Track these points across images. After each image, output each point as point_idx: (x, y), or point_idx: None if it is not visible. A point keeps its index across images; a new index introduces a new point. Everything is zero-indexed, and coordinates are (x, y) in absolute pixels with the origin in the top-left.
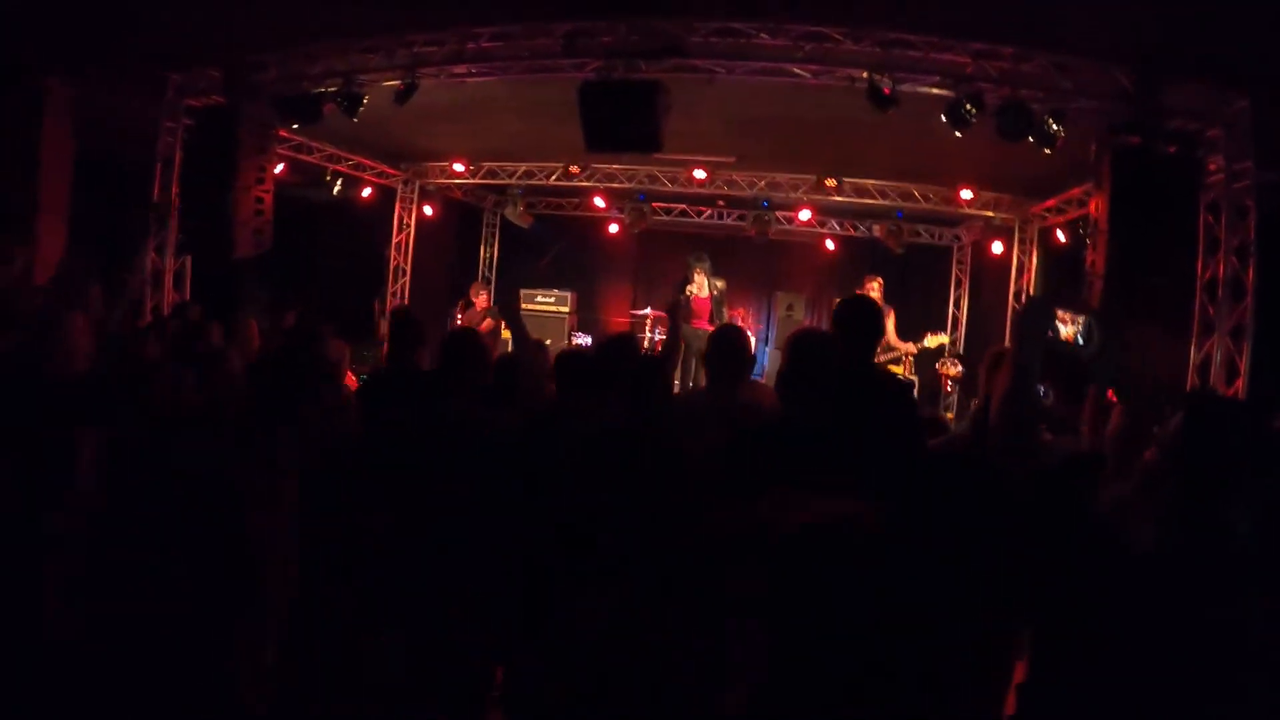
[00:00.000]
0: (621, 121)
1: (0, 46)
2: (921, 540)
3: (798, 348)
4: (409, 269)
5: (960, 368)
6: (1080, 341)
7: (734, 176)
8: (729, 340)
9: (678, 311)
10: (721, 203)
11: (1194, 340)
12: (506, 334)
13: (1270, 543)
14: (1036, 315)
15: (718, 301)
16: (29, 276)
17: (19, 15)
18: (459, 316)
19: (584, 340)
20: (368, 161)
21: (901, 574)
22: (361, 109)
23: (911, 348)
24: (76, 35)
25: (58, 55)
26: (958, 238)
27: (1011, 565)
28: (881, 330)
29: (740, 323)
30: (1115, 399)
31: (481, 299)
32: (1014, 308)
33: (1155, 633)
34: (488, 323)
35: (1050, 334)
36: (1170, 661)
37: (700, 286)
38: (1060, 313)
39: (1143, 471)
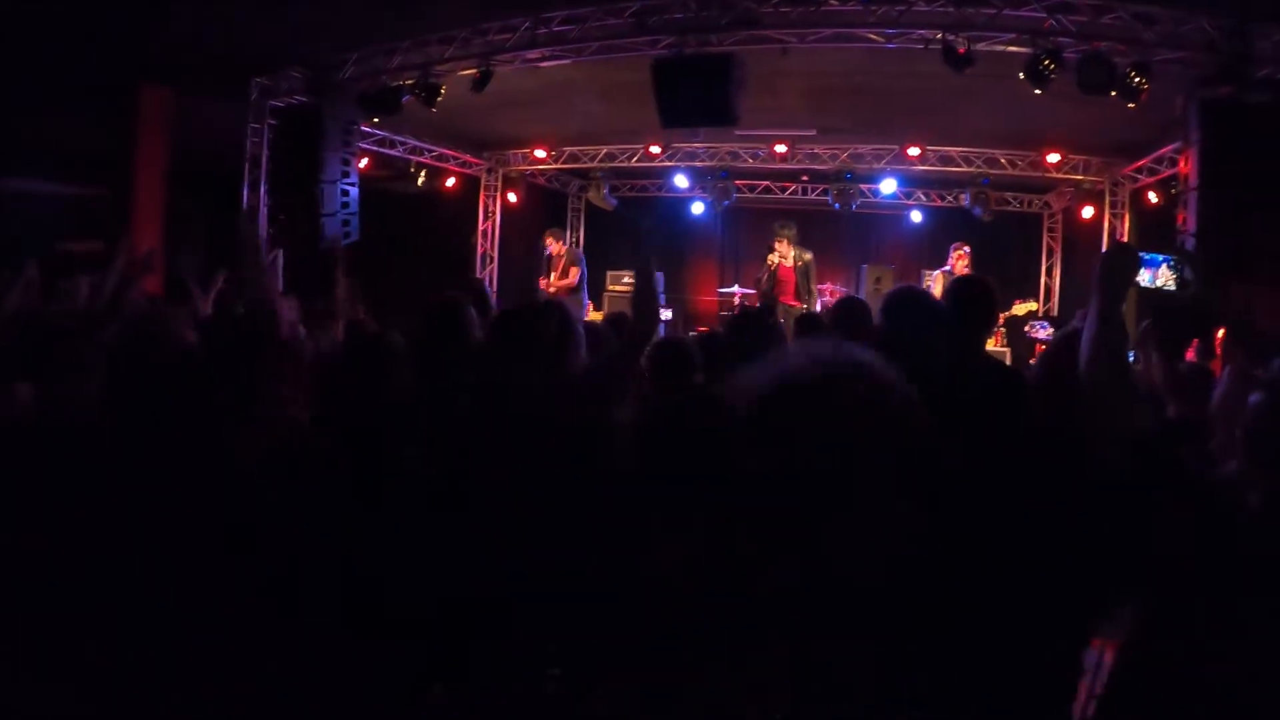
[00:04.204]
0: (696, 96)
1: (96, 57)
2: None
3: (903, 309)
4: (496, 255)
5: (1050, 330)
6: (1176, 286)
7: (816, 149)
8: (852, 310)
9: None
10: (805, 177)
11: None
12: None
13: None
14: (1119, 260)
15: (803, 273)
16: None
17: (113, 27)
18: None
19: None
20: (450, 152)
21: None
22: (440, 99)
23: (999, 316)
24: (166, 44)
25: (150, 64)
26: (1048, 205)
27: (1111, 534)
28: (996, 318)
29: (829, 296)
30: (1222, 348)
31: (556, 246)
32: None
33: (1268, 603)
34: (574, 270)
35: (1140, 283)
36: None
37: (785, 256)
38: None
39: (1247, 420)
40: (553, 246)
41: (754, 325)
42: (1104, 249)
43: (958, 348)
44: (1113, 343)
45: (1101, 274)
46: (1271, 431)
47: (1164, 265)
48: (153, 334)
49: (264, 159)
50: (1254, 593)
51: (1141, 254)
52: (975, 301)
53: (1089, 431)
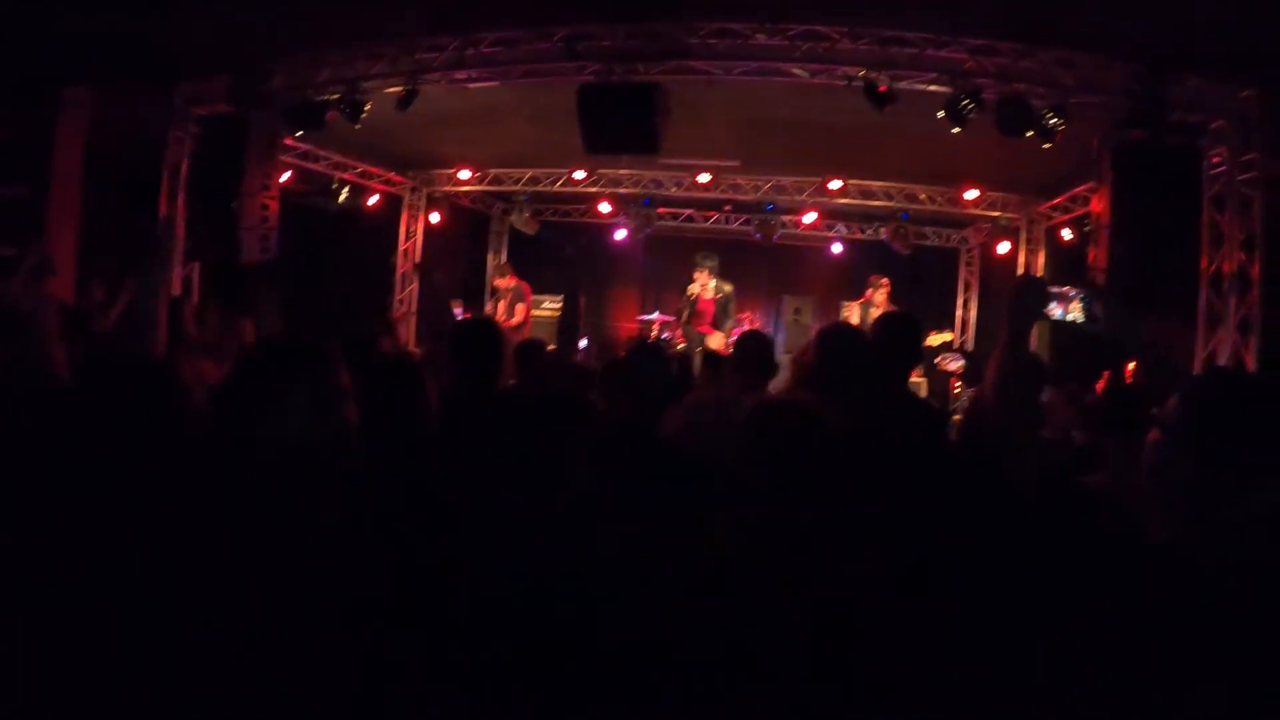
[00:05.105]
0: (620, 123)
1: (19, 56)
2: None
3: (834, 343)
4: (416, 276)
5: (961, 362)
6: (1086, 319)
7: (739, 180)
8: (758, 344)
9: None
10: (728, 207)
11: (1200, 335)
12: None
13: None
14: (1028, 293)
15: (722, 305)
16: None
17: (37, 25)
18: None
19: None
20: (374, 169)
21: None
22: (365, 116)
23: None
24: (92, 45)
25: (74, 65)
26: (965, 240)
27: (1022, 567)
28: (920, 353)
29: (748, 326)
30: (1133, 375)
31: (504, 281)
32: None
33: (1173, 627)
34: (520, 308)
35: (1051, 316)
36: (1192, 657)
37: (705, 287)
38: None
39: (1148, 455)
40: (500, 282)
41: (648, 355)
42: (1015, 282)
43: (882, 382)
44: (1019, 370)
45: (1010, 305)
46: (1167, 467)
47: (1075, 299)
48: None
49: (184, 168)
50: (1156, 624)
51: (1052, 288)
52: (899, 336)
53: (996, 457)
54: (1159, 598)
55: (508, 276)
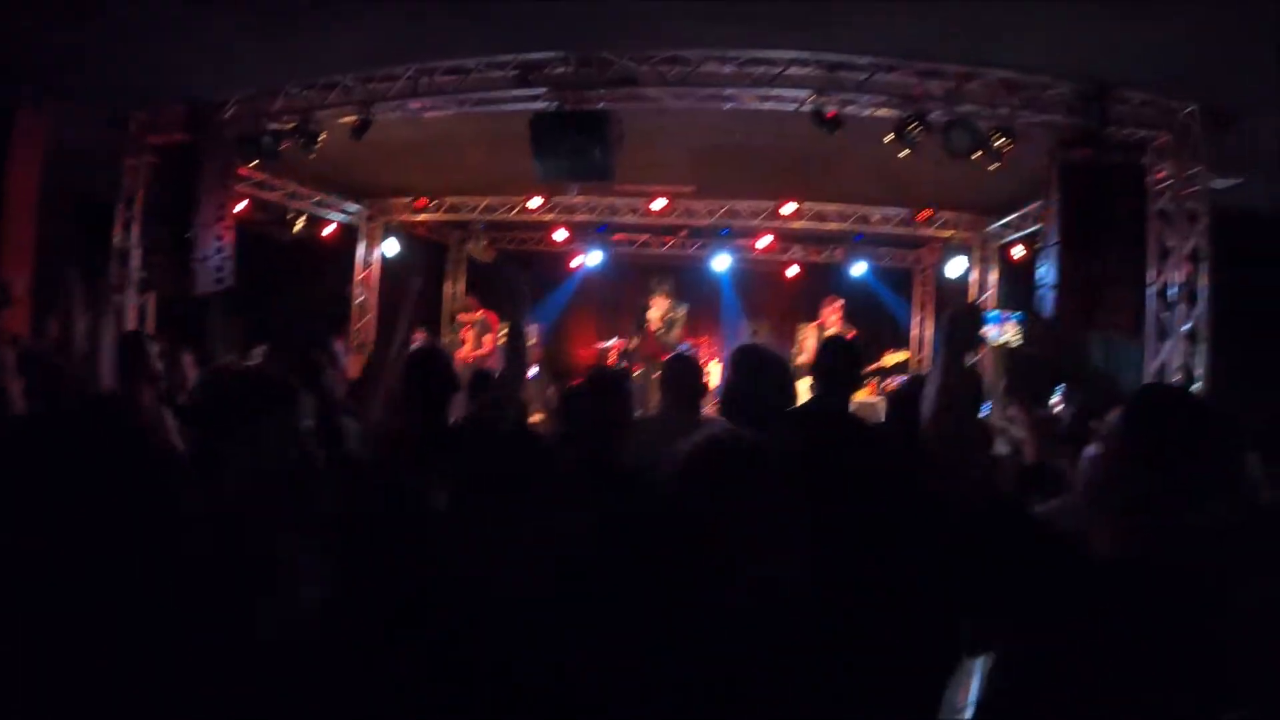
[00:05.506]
0: (573, 152)
1: None
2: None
3: (744, 365)
4: (374, 306)
5: None
6: (1025, 341)
7: (694, 205)
8: (684, 368)
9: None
10: (684, 232)
11: (1149, 347)
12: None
13: (1238, 531)
14: (961, 320)
15: (668, 323)
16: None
17: None
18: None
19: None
20: (330, 198)
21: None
22: (319, 145)
23: (871, 366)
24: (47, 68)
25: (29, 87)
26: (919, 260)
27: (966, 587)
28: (859, 375)
29: (704, 350)
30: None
31: (469, 315)
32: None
33: (1125, 644)
34: (488, 339)
35: (985, 339)
36: (1142, 672)
37: (659, 310)
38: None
39: (1089, 469)
40: (464, 316)
41: (605, 383)
42: (950, 310)
43: (817, 402)
44: (956, 396)
45: (947, 333)
46: (1109, 482)
47: (1009, 322)
48: None
49: (139, 197)
50: (1106, 640)
51: (986, 313)
52: (836, 359)
53: (935, 481)
54: (1111, 614)
55: (473, 310)
